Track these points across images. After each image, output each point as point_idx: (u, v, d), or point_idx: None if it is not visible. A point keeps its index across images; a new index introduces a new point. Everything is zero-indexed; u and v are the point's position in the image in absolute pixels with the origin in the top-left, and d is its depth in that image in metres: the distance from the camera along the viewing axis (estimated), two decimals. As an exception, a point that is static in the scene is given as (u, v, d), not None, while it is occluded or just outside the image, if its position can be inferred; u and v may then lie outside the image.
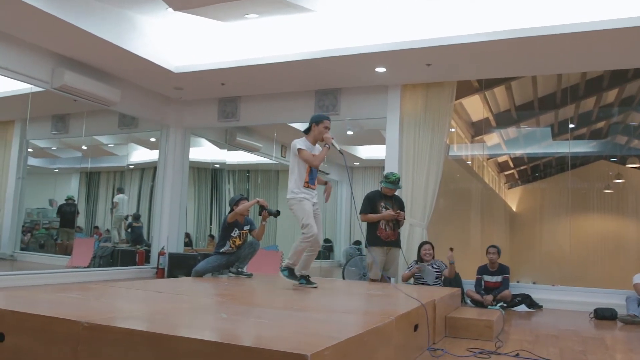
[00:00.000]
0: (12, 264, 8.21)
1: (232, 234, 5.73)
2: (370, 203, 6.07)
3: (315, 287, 4.66)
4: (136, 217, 9.62)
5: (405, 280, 6.58)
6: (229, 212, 5.79)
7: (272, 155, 10.07)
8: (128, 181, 10.25)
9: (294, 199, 4.63)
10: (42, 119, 8.80)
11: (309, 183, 4.69)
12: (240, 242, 5.79)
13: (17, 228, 8.63)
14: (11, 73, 6.49)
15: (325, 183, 4.98)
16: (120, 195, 9.98)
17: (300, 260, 4.68)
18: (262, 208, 5.61)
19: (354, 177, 11.55)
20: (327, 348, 2.07)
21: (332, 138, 4.63)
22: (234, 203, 5.75)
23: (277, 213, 5.66)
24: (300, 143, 4.67)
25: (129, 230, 9.62)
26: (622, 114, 8.87)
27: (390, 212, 6.02)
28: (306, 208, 4.57)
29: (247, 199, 5.88)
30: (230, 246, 5.74)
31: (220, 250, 5.77)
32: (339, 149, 4.65)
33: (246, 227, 5.82)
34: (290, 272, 4.62)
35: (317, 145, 4.81)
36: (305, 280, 4.75)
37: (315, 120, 4.73)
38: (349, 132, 9.62)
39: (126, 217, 9.83)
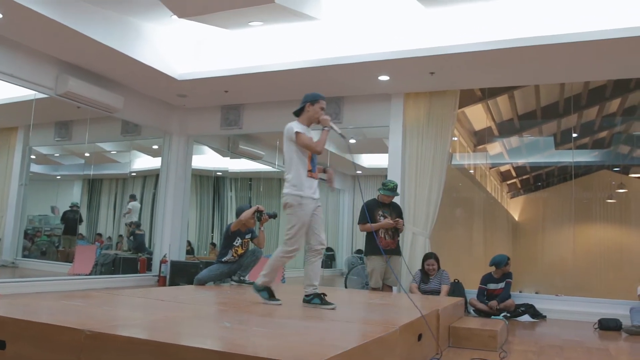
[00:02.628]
0: (13, 271, 8.19)
1: (234, 243, 5.73)
2: (368, 212, 6.05)
3: (333, 309, 3.85)
4: (138, 225, 9.60)
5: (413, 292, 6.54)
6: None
7: (274, 164, 10.07)
8: (130, 189, 10.25)
9: (294, 197, 3.89)
10: (45, 126, 8.82)
11: (312, 172, 4.00)
12: (242, 251, 5.79)
13: (19, 235, 8.62)
14: (15, 79, 6.51)
15: (324, 170, 4.25)
16: (134, 203, 9.97)
17: (308, 271, 4.01)
18: (260, 213, 5.62)
19: (356, 186, 11.54)
20: (332, 358, 2.05)
21: (330, 119, 4.07)
22: (242, 212, 5.75)
23: (275, 215, 5.72)
24: (297, 126, 3.97)
25: (131, 237, 9.60)
26: (624, 124, 8.86)
27: (389, 220, 6.01)
28: (304, 217, 3.89)
29: None
30: (233, 255, 5.74)
31: (223, 259, 5.76)
32: (339, 131, 4.09)
33: (247, 236, 5.83)
34: (269, 292, 3.99)
35: (309, 128, 4.13)
36: (320, 300, 3.92)
37: (311, 99, 4.08)
38: (352, 141, 9.62)
39: (130, 224, 9.82)
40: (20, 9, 5.45)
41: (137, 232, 9.46)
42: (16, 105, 7.45)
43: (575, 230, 8.24)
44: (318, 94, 4.14)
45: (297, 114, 4.13)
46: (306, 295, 3.97)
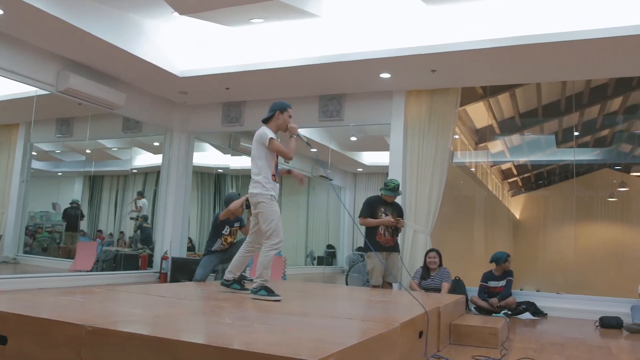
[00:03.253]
0: (15, 267, 8.20)
1: (223, 232, 5.84)
2: (370, 207, 6.07)
3: (247, 293, 4.18)
4: (145, 218, 9.61)
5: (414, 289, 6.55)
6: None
7: (275, 161, 10.05)
8: (131, 185, 10.25)
9: (263, 196, 4.13)
10: (46, 122, 8.81)
11: (275, 176, 4.27)
12: (232, 239, 5.87)
13: (20, 231, 8.63)
14: (16, 76, 6.51)
15: (288, 172, 4.75)
16: (144, 200, 9.98)
17: (237, 262, 4.41)
18: (248, 202, 5.66)
19: (357, 183, 11.53)
20: (332, 354, 2.05)
21: (297, 128, 4.32)
22: (232, 201, 5.81)
23: None
24: (271, 133, 4.21)
25: (138, 231, 9.62)
26: (626, 122, 8.84)
27: (390, 218, 6.02)
28: (277, 210, 4.15)
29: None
30: (222, 244, 5.85)
31: (212, 249, 5.84)
32: (305, 140, 4.44)
33: (236, 224, 5.94)
34: (267, 290, 4.05)
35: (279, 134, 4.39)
36: (240, 285, 4.40)
37: (280, 108, 4.34)
38: (353, 138, 9.61)
39: (136, 218, 9.84)
40: (21, 5, 5.44)
41: (145, 225, 9.46)
42: (17, 101, 7.44)
43: (577, 228, 8.23)
44: (286, 103, 4.41)
45: (266, 121, 4.34)
46: (226, 280, 4.44)
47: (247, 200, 5.64)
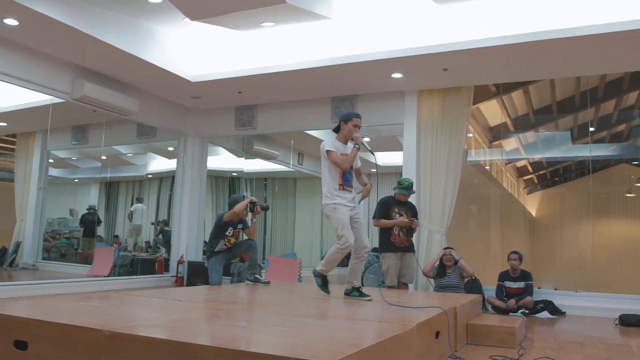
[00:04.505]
0: (34, 273, 8.31)
1: (226, 233, 5.88)
2: (384, 208, 6.06)
3: (369, 300, 4.36)
4: (166, 223, 9.70)
5: (428, 273, 6.53)
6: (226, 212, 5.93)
7: (289, 163, 10.08)
8: (147, 190, 10.34)
9: (328, 206, 4.37)
10: (62, 130, 8.93)
11: (344, 185, 4.41)
12: (234, 240, 5.91)
13: (38, 238, 8.75)
14: (32, 85, 6.61)
15: (365, 184, 4.63)
16: (137, 205, 10.07)
17: (350, 271, 4.53)
18: (252, 205, 5.80)
19: (371, 184, 11.50)
20: (349, 356, 2.05)
21: (362, 137, 4.41)
22: (237, 203, 5.86)
23: (267, 207, 6.06)
24: (328, 144, 4.40)
25: (160, 235, 9.71)
26: (643, 117, 8.73)
27: (404, 219, 6.01)
28: (341, 217, 4.31)
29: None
30: (225, 244, 5.90)
31: (215, 250, 5.88)
32: (369, 149, 4.47)
33: (239, 225, 5.97)
34: (323, 281, 4.50)
35: (349, 143, 4.51)
36: (358, 292, 4.49)
37: (344, 118, 4.48)
38: (366, 139, 9.57)
39: (158, 223, 9.94)
40: (35, 16, 5.53)
41: (166, 228, 9.55)
42: (34, 110, 7.55)
43: (594, 225, 8.13)
44: (352, 112, 4.53)
45: (336, 130, 4.54)
46: (346, 290, 4.52)
47: (251, 202, 5.73)
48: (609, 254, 8.44)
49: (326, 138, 4.58)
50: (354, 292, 4.46)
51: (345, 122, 4.45)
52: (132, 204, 10.25)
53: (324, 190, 4.41)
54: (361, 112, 7.39)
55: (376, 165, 4.74)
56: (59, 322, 2.59)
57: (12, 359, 2.60)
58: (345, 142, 4.49)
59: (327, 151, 4.35)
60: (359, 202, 4.64)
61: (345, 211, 4.34)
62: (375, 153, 4.59)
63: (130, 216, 10.04)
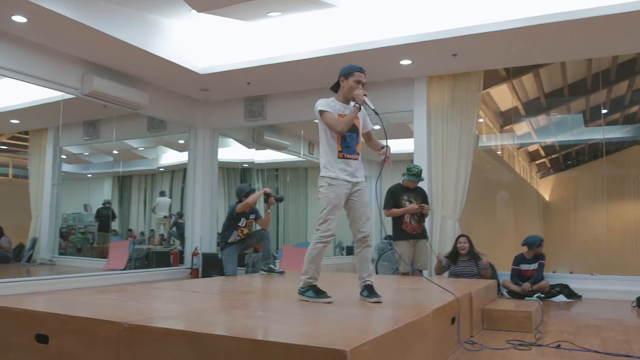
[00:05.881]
0: (51, 269, 8.42)
1: (239, 224, 5.92)
2: (393, 197, 6.03)
3: (379, 302, 3.43)
4: (180, 215, 9.77)
5: (438, 272, 6.51)
6: (237, 203, 5.95)
7: (300, 153, 10.09)
8: (159, 184, 10.40)
9: (324, 179, 3.57)
10: (73, 126, 8.99)
11: (344, 152, 3.59)
12: (247, 231, 5.98)
13: (55, 233, 8.84)
14: (43, 81, 6.65)
15: (382, 148, 3.77)
16: (160, 198, 10.15)
17: (357, 264, 3.63)
18: (267, 195, 5.85)
19: (382, 172, 11.46)
20: (366, 343, 2.06)
21: (365, 95, 3.59)
22: (244, 194, 5.91)
23: (282, 198, 6.06)
24: (322, 104, 3.63)
25: (174, 227, 9.79)
26: (656, 97, 8.62)
27: (414, 205, 5.98)
28: (332, 198, 3.49)
29: (254, 190, 6.07)
30: (239, 235, 5.96)
31: (229, 241, 5.92)
32: (372, 107, 3.56)
33: (252, 216, 6.03)
34: (315, 290, 3.50)
35: (351, 103, 3.67)
36: (369, 291, 3.54)
37: (344, 73, 3.71)
38: (376, 127, 9.55)
39: (170, 216, 10.02)
40: (44, 12, 5.55)
41: (180, 221, 9.62)
42: (45, 106, 7.61)
43: (609, 207, 8.06)
44: (354, 66, 3.73)
45: (335, 89, 3.80)
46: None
47: (265, 193, 5.76)
48: (624, 236, 8.38)
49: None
50: (364, 292, 3.54)
51: (345, 78, 3.70)
52: (145, 198, 10.33)
53: (322, 162, 3.62)
54: (371, 100, 7.15)
55: (383, 129, 3.71)
56: (78, 316, 2.63)
57: (34, 352, 2.65)
58: (347, 102, 3.70)
59: (320, 111, 3.60)
60: (390, 166, 3.76)
61: (342, 190, 3.54)
62: (386, 141, 3.99)
63: (154, 210, 10.13)
